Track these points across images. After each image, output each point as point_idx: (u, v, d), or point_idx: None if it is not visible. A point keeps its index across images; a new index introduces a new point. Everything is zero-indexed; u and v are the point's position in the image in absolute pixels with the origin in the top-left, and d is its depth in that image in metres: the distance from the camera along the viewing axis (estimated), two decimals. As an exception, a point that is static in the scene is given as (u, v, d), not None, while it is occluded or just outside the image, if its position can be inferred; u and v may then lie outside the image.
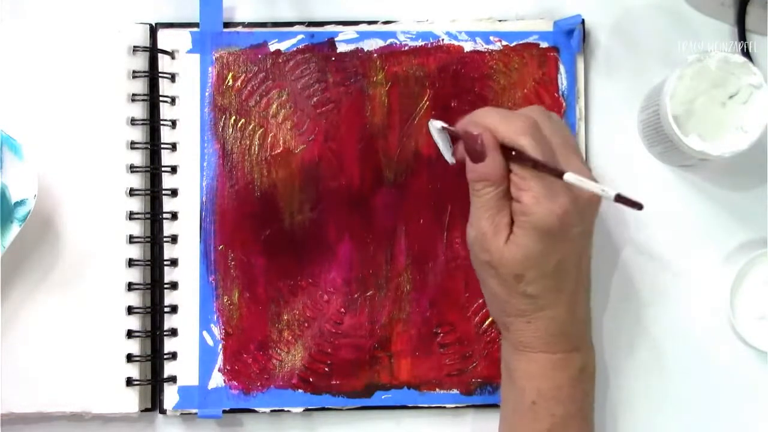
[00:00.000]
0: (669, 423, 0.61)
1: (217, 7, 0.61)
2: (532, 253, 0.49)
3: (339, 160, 0.61)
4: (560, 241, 0.49)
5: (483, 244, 0.50)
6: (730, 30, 0.63)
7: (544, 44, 0.61)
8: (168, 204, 0.61)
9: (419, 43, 0.61)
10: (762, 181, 0.62)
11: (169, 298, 0.60)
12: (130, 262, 0.59)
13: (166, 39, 0.61)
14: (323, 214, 0.60)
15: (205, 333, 0.60)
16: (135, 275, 0.60)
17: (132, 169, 0.60)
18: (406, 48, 0.61)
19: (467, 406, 0.61)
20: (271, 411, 0.60)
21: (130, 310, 0.59)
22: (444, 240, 0.61)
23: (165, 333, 0.60)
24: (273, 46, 0.61)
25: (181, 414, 0.60)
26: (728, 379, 0.61)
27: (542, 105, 0.59)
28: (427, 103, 0.61)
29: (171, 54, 0.61)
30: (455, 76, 0.61)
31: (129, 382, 0.59)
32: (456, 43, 0.61)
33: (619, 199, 0.45)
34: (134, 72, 0.60)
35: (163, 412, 0.60)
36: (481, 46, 0.61)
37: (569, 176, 0.47)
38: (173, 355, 0.60)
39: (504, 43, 0.61)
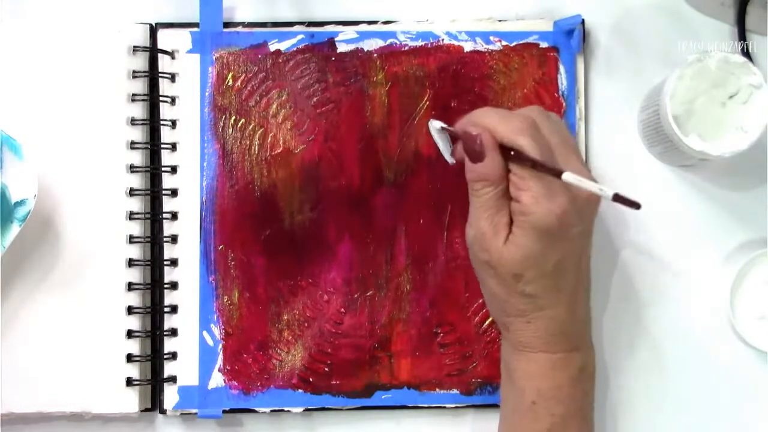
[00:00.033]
0: (669, 423, 0.61)
1: (217, 7, 0.61)
2: (531, 253, 0.49)
3: (339, 160, 0.61)
4: (559, 240, 0.49)
5: (482, 243, 0.50)
6: (730, 30, 0.63)
7: (544, 44, 0.61)
8: (168, 204, 0.61)
9: (419, 43, 0.61)
10: (762, 181, 0.62)
11: (169, 298, 0.60)
12: (130, 262, 0.60)
13: (166, 39, 0.61)
14: (323, 214, 0.60)
15: (205, 333, 0.60)
16: (135, 275, 0.60)
17: (132, 169, 0.60)
18: (406, 48, 0.61)
19: (467, 406, 0.61)
20: (271, 411, 0.60)
21: (130, 310, 0.59)
22: (444, 240, 0.61)
23: (165, 333, 0.60)
24: (273, 46, 0.61)
25: (181, 414, 0.60)
26: (728, 379, 0.61)
27: (542, 105, 0.59)
28: (427, 103, 0.61)
29: (171, 54, 0.61)
30: (455, 76, 0.61)
31: (129, 382, 0.59)
32: (456, 43, 0.61)
33: (617, 198, 0.45)
34: (134, 72, 0.60)
35: (163, 412, 0.60)
36: (481, 46, 0.61)
37: (567, 176, 0.47)
38: (173, 355, 0.60)
39: (504, 43, 0.61)
